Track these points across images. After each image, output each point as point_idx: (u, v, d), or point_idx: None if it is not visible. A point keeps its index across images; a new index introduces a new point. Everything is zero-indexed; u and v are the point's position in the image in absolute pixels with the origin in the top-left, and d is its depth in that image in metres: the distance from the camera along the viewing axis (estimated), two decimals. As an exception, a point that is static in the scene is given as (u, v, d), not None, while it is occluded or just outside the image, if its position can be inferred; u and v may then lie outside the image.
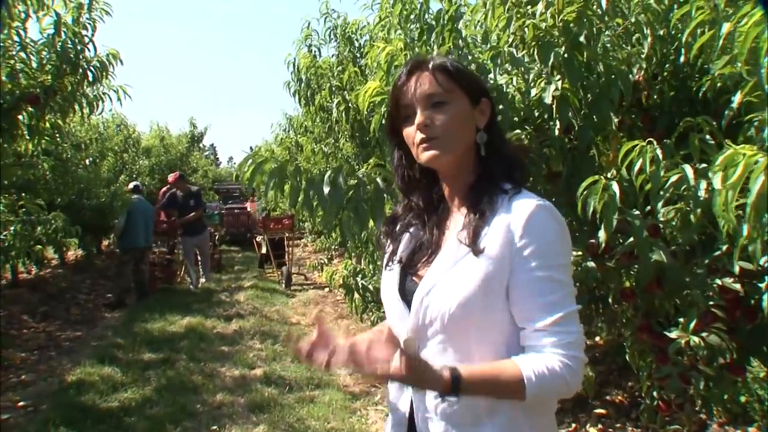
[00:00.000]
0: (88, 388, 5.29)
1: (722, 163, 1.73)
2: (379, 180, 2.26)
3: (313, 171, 2.34)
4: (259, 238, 12.90)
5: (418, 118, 1.37)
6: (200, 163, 21.71)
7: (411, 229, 1.51)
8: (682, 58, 3.22)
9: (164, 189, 11.36)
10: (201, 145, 22.37)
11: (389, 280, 1.48)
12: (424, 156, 1.38)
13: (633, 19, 2.79)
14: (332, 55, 6.10)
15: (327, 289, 10.50)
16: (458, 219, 1.41)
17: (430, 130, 1.36)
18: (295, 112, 11.42)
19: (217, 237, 13.19)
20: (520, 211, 1.30)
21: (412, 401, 1.41)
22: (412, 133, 1.40)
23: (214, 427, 4.48)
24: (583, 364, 1.31)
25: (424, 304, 1.34)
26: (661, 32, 3.03)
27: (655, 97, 3.37)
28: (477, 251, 1.30)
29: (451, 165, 1.41)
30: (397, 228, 1.54)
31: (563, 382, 1.27)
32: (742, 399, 3.81)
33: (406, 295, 1.42)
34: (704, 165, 2.29)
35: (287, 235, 12.12)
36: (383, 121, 2.56)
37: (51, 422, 4.49)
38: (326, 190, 2.10)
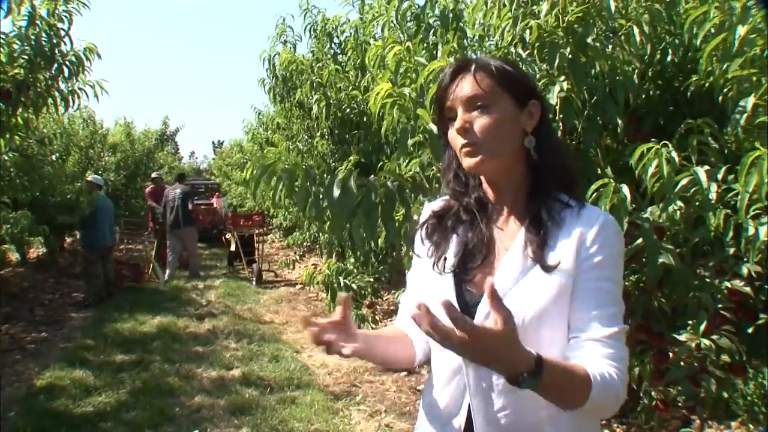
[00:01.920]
0: (59, 392, 5.13)
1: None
2: (390, 184, 2.20)
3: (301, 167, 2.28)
4: (228, 235, 12.73)
5: (457, 122, 1.32)
6: (167, 160, 21.38)
7: (459, 230, 1.42)
8: (668, 58, 3.24)
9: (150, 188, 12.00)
10: (170, 141, 22.09)
11: (442, 288, 1.38)
12: (466, 162, 1.33)
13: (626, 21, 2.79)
14: (309, 51, 6.03)
15: (298, 286, 10.42)
16: (512, 225, 1.36)
17: (470, 134, 1.30)
18: (265, 108, 11.30)
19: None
20: (591, 223, 1.28)
21: (469, 415, 1.33)
22: (454, 136, 1.34)
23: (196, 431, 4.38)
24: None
25: (491, 317, 1.24)
26: (648, 31, 3.04)
27: (643, 96, 3.39)
28: (548, 267, 1.27)
29: (497, 171, 1.35)
30: (443, 224, 1.45)
31: (615, 393, 1.23)
32: (725, 394, 3.87)
33: (467, 306, 1.33)
34: (706, 166, 2.30)
35: (257, 231, 11.99)
36: (394, 124, 2.49)
37: (21, 430, 4.33)
38: (336, 194, 2.03)
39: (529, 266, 1.29)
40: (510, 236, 1.35)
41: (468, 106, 1.32)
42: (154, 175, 13.13)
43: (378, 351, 1.44)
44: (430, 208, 1.53)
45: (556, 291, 1.26)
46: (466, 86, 1.32)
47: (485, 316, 1.28)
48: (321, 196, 2.09)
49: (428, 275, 1.42)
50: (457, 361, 1.33)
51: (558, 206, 1.33)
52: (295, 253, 11.15)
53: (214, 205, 17.73)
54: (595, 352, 1.24)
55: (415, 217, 2.27)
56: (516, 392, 1.23)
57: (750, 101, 2.14)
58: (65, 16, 4.54)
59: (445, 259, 1.39)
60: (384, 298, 8.10)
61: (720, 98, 2.63)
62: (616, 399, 1.24)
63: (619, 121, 2.57)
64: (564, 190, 1.36)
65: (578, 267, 1.26)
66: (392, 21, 2.88)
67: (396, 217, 2.22)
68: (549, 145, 1.38)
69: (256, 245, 11.78)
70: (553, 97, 2.44)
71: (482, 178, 1.42)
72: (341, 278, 4.82)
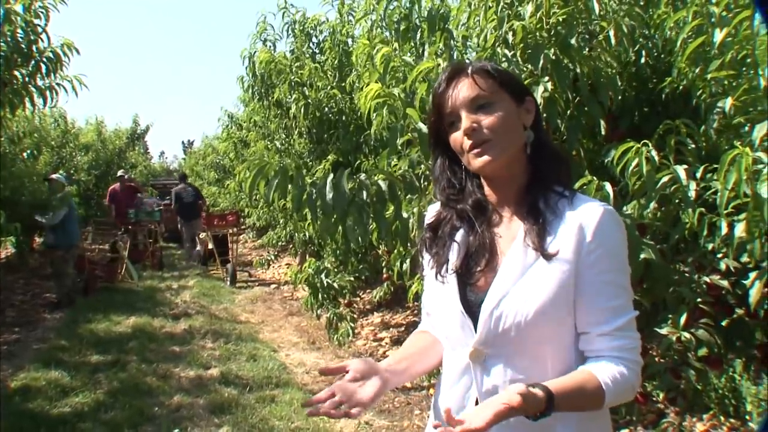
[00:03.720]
0: (36, 393, 5.04)
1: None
2: (381, 183, 2.23)
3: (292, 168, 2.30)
4: (202, 235, 12.65)
5: (464, 122, 1.33)
6: (139, 160, 21.12)
7: (457, 236, 1.43)
8: (642, 60, 3.34)
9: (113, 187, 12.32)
10: (141, 141, 21.78)
11: (446, 291, 1.40)
12: (476, 162, 1.33)
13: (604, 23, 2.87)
14: (289, 50, 6.04)
15: (273, 286, 10.40)
16: (514, 225, 1.37)
17: (479, 133, 1.31)
18: (236, 109, 11.28)
19: (156, 233, 12.85)
20: (589, 215, 1.30)
21: None
22: (459, 139, 1.35)
23: (176, 431, 4.36)
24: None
25: (494, 315, 1.30)
26: (627, 32, 3.12)
27: (618, 97, 3.48)
28: (548, 255, 1.28)
29: (503, 169, 1.36)
30: (439, 234, 1.46)
31: (631, 387, 1.29)
32: (698, 387, 3.98)
33: (470, 306, 1.36)
34: (685, 165, 2.39)
35: (231, 231, 11.92)
36: (384, 123, 2.52)
37: (-2, 433, 4.28)
38: (329, 195, 2.05)
39: (531, 261, 1.30)
40: (512, 236, 1.37)
41: (471, 107, 1.33)
42: (121, 173, 13.08)
43: (406, 376, 1.48)
44: (425, 220, 1.54)
45: (557, 282, 1.27)
46: (466, 89, 1.34)
47: (489, 314, 1.31)
48: (314, 196, 2.10)
49: (433, 282, 1.44)
50: (465, 360, 1.36)
51: (554, 196, 1.35)
52: (269, 252, 11.12)
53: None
54: (606, 347, 1.29)
55: (405, 215, 2.32)
56: None
57: (728, 102, 2.22)
58: (42, 12, 4.48)
59: (446, 267, 1.41)
60: (362, 297, 8.14)
61: (694, 100, 2.73)
62: (632, 390, 1.30)
63: (602, 122, 2.63)
64: (560, 181, 1.39)
65: (580, 261, 1.28)
66: (380, 21, 2.91)
67: (387, 215, 2.25)
68: (545, 139, 1.42)
69: (230, 245, 11.71)
70: (537, 97, 2.49)
71: (483, 180, 1.43)
72: (322, 277, 4.84)
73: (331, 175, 2.10)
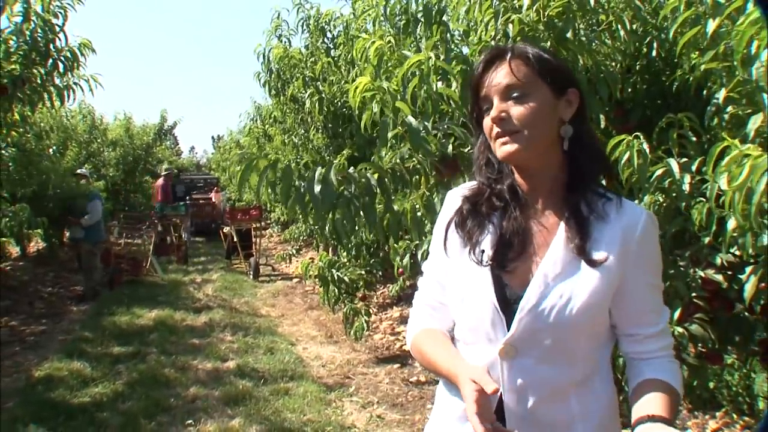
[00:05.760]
0: (57, 383, 5.19)
1: (728, 163, 1.77)
2: (369, 176, 2.23)
3: (284, 162, 2.30)
4: (226, 229, 12.81)
5: (493, 111, 1.28)
6: (165, 154, 21.42)
7: (493, 218, 1.36)
8: (654, 52, 3.29)
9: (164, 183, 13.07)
10: (168, 136, 22.03)
11: (479, 281, 1.33)
12: (500, 151, 1.29)
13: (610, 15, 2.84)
14: (303, 46, 6.08)
15: (295, 280, 10.48)
16: (550, 218, 1.34)
17: (506, 123, 1.27)
18: (264, 102, 11.36)
19: (183, 228, 13.03)
20: (634, 221, 1.30)
21: (498, 408, 1.28)
22: (489, 125, 1.31)
23: (189, 421, 4.44)
24: None
25: (531, 314, 1.27)
26: (633, 26, 3.09)
27: (629, 90, 3.44)
28: (593, 262, 1.26)
29: (531, 161, 1.31)
30: (478, 210, 1.39)
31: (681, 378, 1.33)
32: (711, 385, 3.93)
33: (508, 303, 1.30)
34: (685, 159, 2.36)
35: (254, 225, 12.04)
36: (374, 117, 2.53)
37: (20, 420, 4.38)
38: (317, 188, 2.06)
39: (573, 263, 1.28)
40: (549, 228, 1.33)
41: (504, 95, 1.29)
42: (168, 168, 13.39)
43: None
44: (458, 194, 1.46)
45: (600, 285, 1.26)
46: (501, 75, 1.29)
47: (527, 312, 1.27)
48: (303, 190, 2.12)
49: (461, 266, 1.37)
50: (492, 355, 1.31)
51: (597, 199, 1.32)
52: (292, 246, 11.19)
53: (213, 200, 17.85)
54: (656, 347, 1.32)
55: (396, 208, 2.33)
56: (550, 389, 1.28)
57: (722, 94, 2.19)
58: (60, 12, 4.59)
59: (482, 249, 1.34)
60: (379, 292, 8.17)
61: (705, 92, 2.68)
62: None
63: (601, 115, 2.61)
64: (599, 180, 1.37)
65: (627, 265, 1.28)
66: (381, 15, 2.93)
67: (378, 209, 2.25)
68: (587, 134, 1.36)
69: (253, 239, 11.83)
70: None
71: (513, 167, 1.38)
72: (334, 271, 4.87)
73: (320, 169, 2.11)
